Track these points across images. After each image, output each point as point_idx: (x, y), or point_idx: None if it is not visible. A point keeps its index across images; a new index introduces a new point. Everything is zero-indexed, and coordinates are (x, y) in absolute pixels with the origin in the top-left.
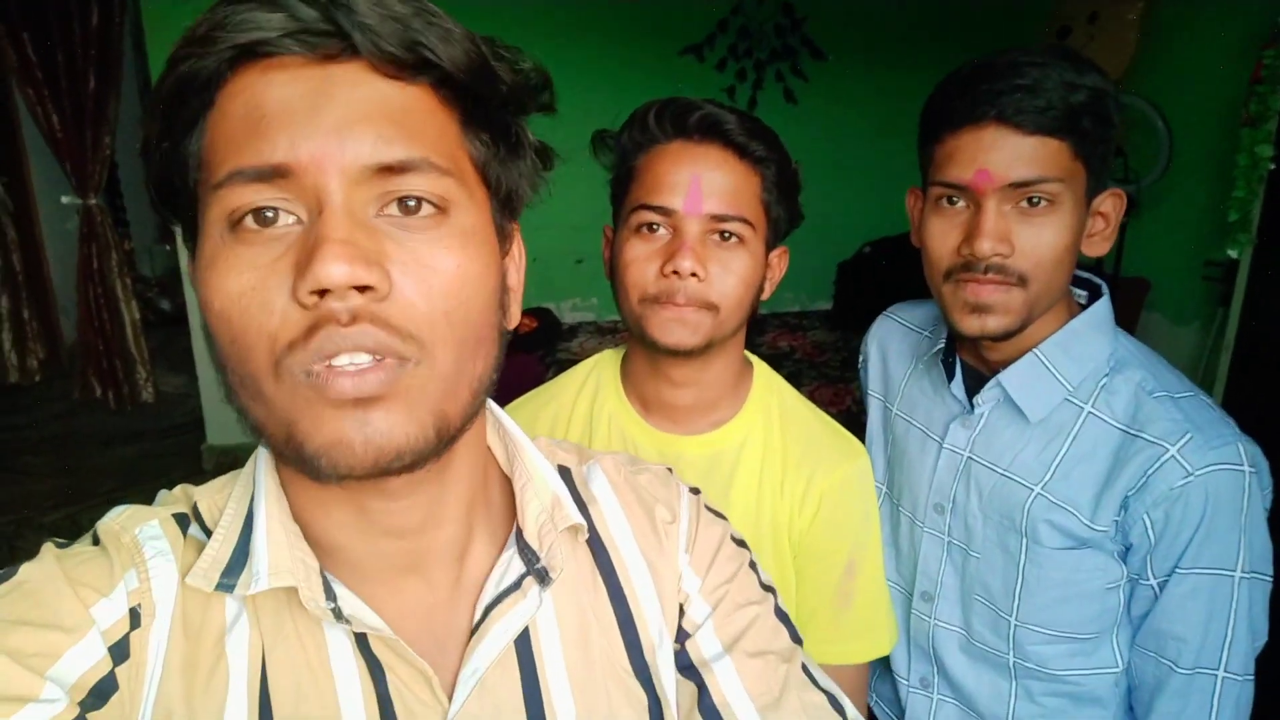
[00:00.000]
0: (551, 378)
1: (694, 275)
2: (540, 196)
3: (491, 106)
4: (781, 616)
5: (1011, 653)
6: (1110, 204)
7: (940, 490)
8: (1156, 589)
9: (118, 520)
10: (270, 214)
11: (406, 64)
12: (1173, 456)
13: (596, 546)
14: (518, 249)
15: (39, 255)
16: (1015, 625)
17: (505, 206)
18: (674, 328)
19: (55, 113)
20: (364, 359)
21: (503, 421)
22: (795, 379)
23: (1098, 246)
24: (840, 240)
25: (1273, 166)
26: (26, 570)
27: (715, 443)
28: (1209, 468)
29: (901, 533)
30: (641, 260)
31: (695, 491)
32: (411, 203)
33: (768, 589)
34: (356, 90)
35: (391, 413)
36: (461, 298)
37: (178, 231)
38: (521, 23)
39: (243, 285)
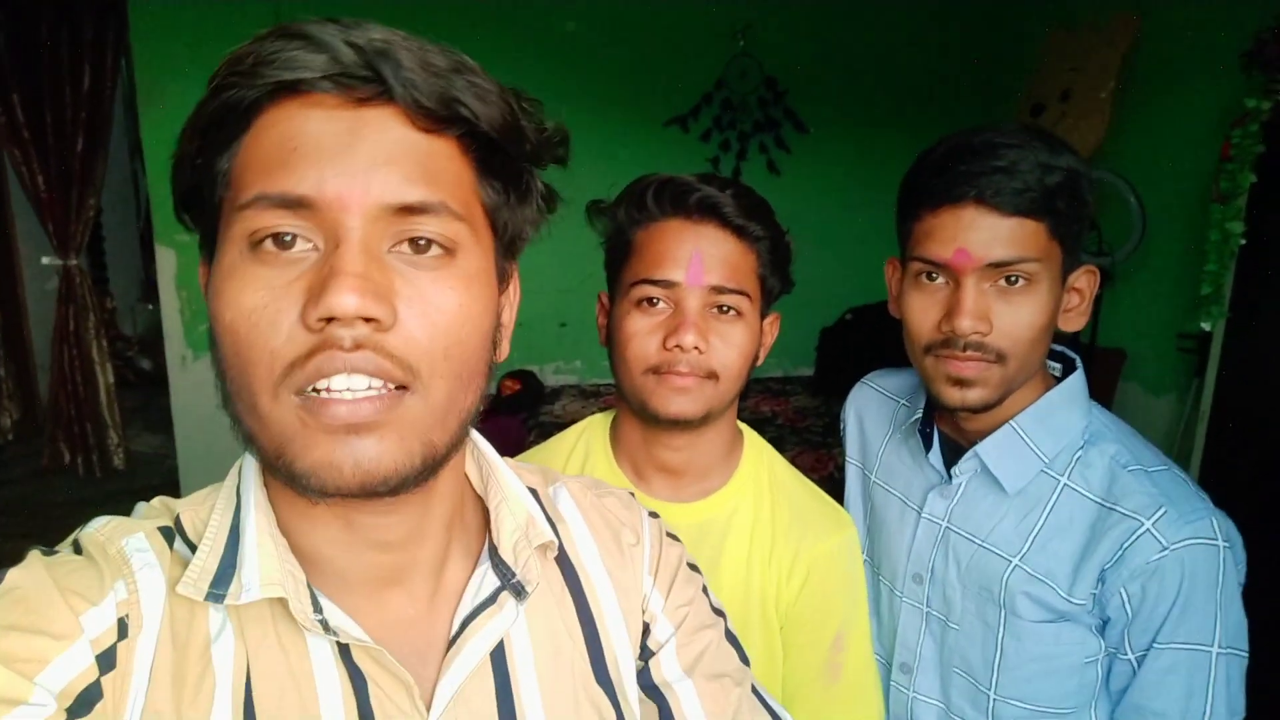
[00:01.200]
0: (534, 440)
1: (696, 349)
2: (529, 250)
3: (511, 159)
4: (731, 640)
5: None
6: (1085, 280)
7: (918, 560)
8: (1135, 664)
9: (102, 531)
10: (289, 238)
11: (440, 118)
12: (1148, 530)
13: (565, 564)
14: (514, 287)
15: (20, 314)
16: (994, 699)
17: (508, 248)
18: (676, 398)
19: (40, 173)
20: (360, 382)
21: (477, 443)
22: (777, 445)
23: (1074, 321)
24: (823, 307)
25: (1243, 242)
26: (15, 576)
27: (705, 511)
28: (1184, 542)
29: (882, 602)
30: (643, 334)
31: (654, 515)
32: (423, 242)
33: (718, 613)
34: (386, 135)
35: (383, 441)
36: (461, 335)
37: (160, 265)
38: None
39: (255, 302)
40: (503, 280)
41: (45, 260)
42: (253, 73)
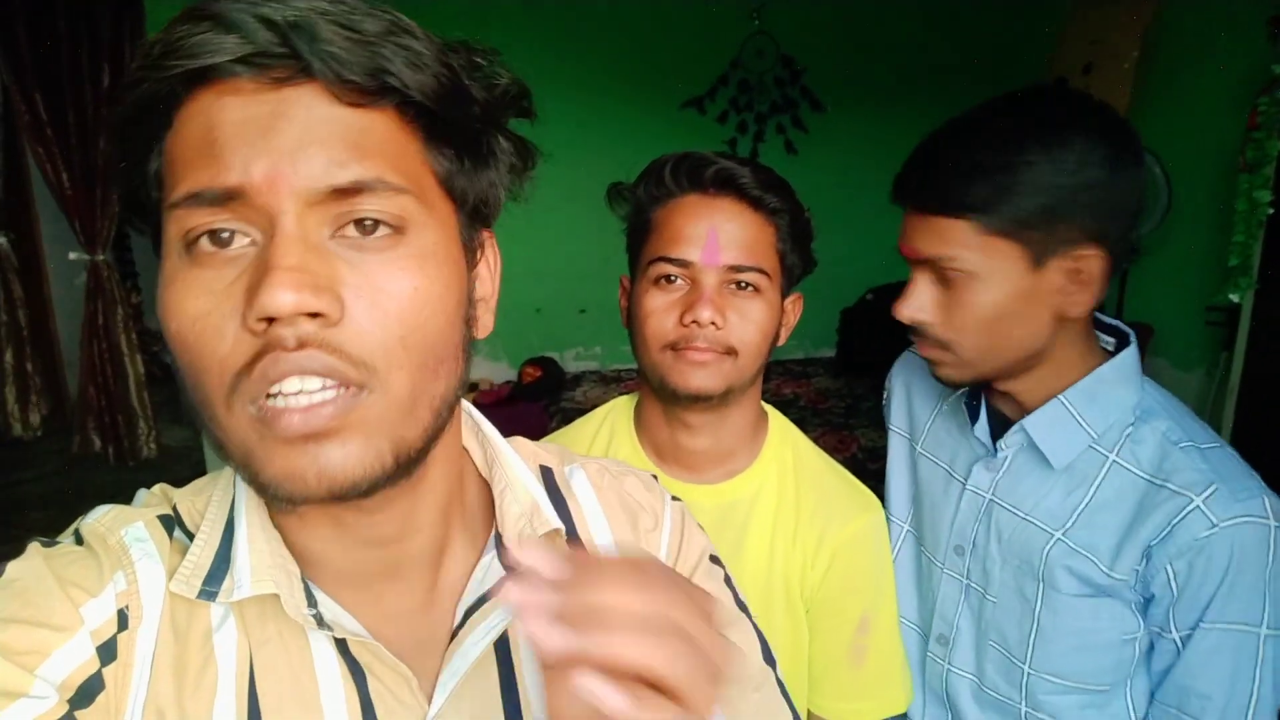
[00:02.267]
0: (555, 427)
1: (713, 324)
2: (530, 199)
3: (459, 123)
4: (758, 634)
5: (1024, 702)
6: (1085, 264)
7: (961, 532)
8: (1179, 643)
9: (102, 521)
10: (225, 235)
11: (368, 90)
12: (1198, 507)
13: (576, 547)
14: (491, 257)
15: (45, 311)
16: (1029, 674)
17: (474, 217)
18: (695, 373)
19: (65, 170)
20: (314, 383)
21: (481, 425)
22: (799, 426)
23: (1075, 308)
24: (843, 288)
25: (1271, 211)
26: (14, 568)
27: (729, 493)
28: (1234, 520)
29: (922, 573)
30: (661, 311)
31: (676, 500)
32: (368, 223)
33: (743, 607)
34: (311, 112)
35: (346, 444)
36: (418, 321)
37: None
38: (523, 76)
39: (198, 309)
40: (471, 253)
41: (73, 256)
42: (161, 62)
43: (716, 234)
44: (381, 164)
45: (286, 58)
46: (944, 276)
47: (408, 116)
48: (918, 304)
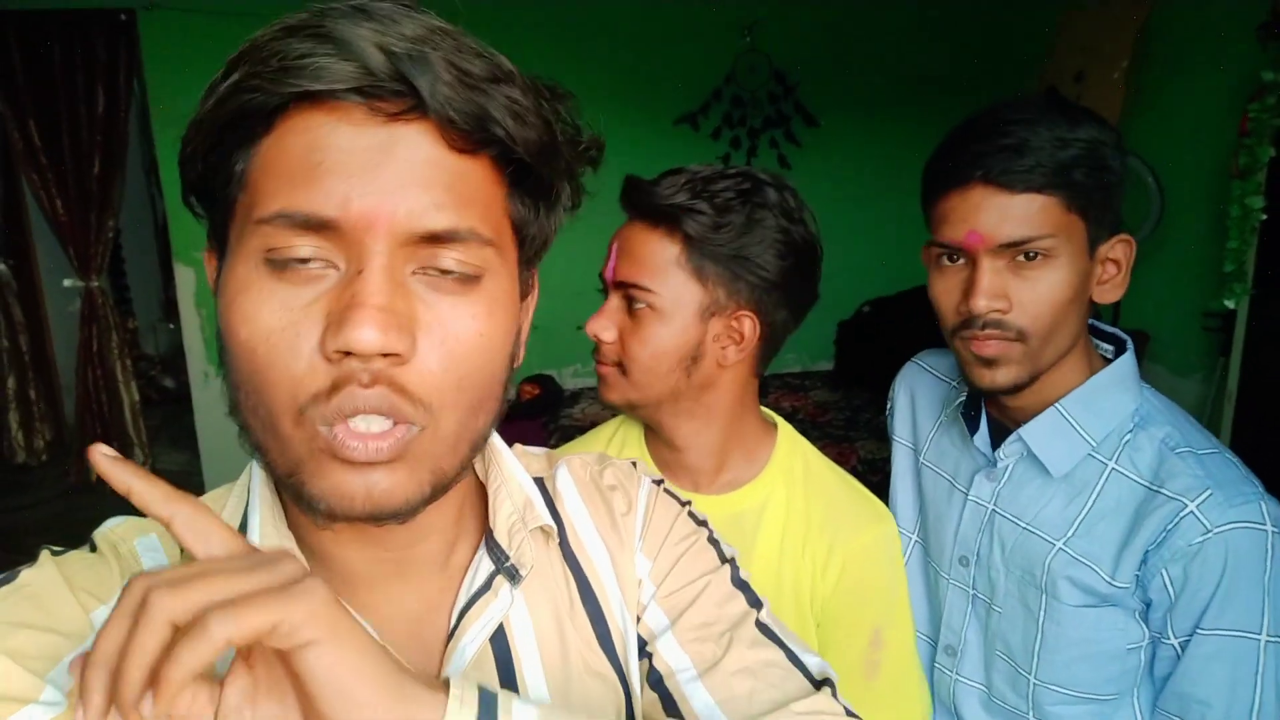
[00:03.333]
0: (554, 444)
1: (605, 340)
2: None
3: (546, 177)
4: (739, 584)
5: (1031, 712)
6: (1120, 250)
7: (965, 542)
8: (1178, 649)
9: (116, 531)
10: (308, 252)
11: (473, 139)
12: (1191, 513)
13: (564, 544)
14: (534, 290)
15: (44, 336)
16: (1035, 684)
17: (532, 259)
18: (602, 389)
19: (59, 196)
20: (376, 421)
21: None
22: None
23: (1109, 294)
24: (840, 300)
25: (1264, 217)
26: (27, 575)
27: (736, 503)
28: (1228, 525)
29: (929, 584)
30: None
31: (659, 482)
32: (450, 268)
33: (726, 560)
34: (416, 154)
35: (395, 475)
36: (477, 364)
37: (180, 283)
38: None
39: (274, 324)
40: (524, 292)
41: (67, 283)
42: (277, 77)
43: (616, 251)
44: (475, 214)
45: (400, 94)
46: (1015, 261)
47: (499, 166)
48: (993, 291)
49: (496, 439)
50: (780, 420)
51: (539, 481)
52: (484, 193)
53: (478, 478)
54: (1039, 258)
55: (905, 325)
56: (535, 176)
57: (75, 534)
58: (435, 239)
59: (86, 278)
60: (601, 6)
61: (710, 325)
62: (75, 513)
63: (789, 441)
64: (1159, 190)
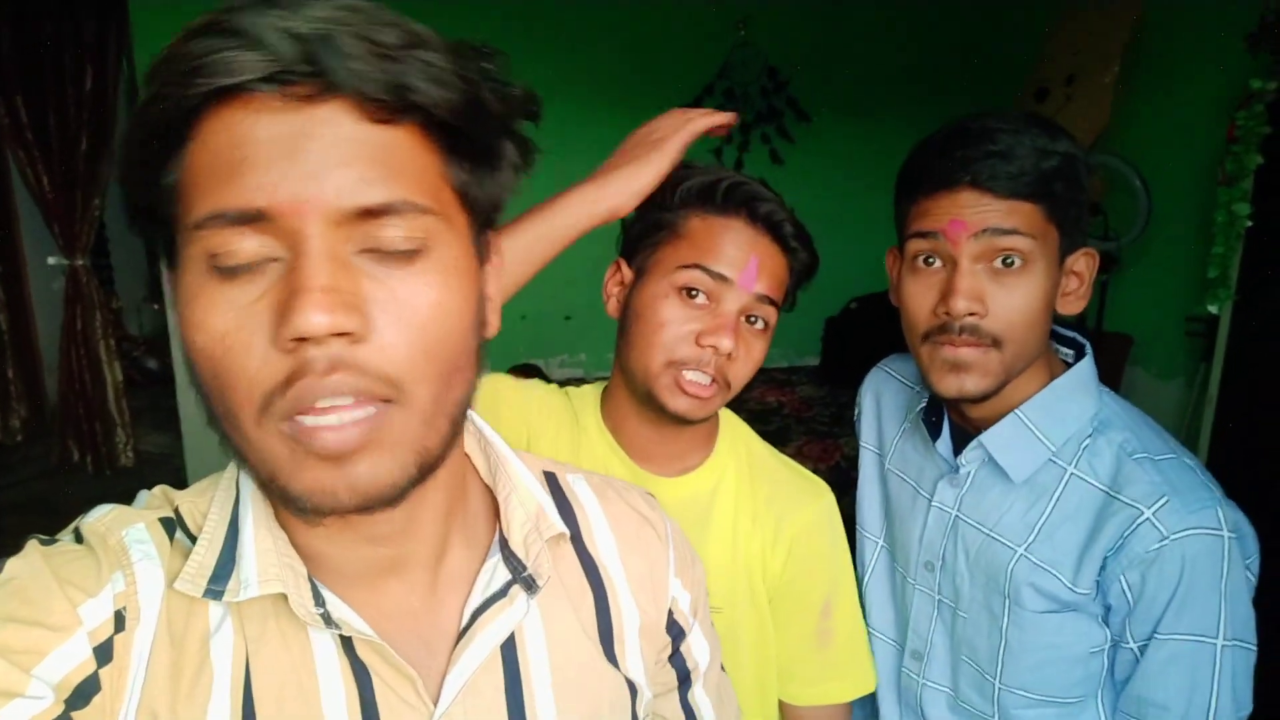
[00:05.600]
0: None
1: (729, 355)
2: (517, 204)
3: (477, 137)
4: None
5: (996, 715)
6: (1083, 263)
7: (930, 548)
8: (1137, 653)
9: (103, 521)
10: (250, 249)
11: (393, 108)
12: (1148, 519)
13: (582, 553)
14: (497, 256)
15: (27, 315)
16: (999, 688)
17: (486, 221)
18: (688, 402)
19: (45, 174)
20: (345, 401)
21: (484, 432)
22: (783, 434)
23: (1072, 305)
24: (828, 296)
25: (1250, 224)
26: (13, 566)
27: (690, 485)
28: (1185, 532)
29: (896, 589)
30: (678, 325)
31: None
32: (392, 240)
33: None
34: (338, 131)
35: (375, 460)
36: (441, 334)
37: (163, 270)
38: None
39: (225, 325)
40: (483, 256)
41: (51, 260)
42: (185, 80)
43: (757, 263)
44: (407, 184)
45: (312, 74)
46: (993, 267)
47: (428, 133)
48: (973, 293)
49: (500, 441)
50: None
51: (550, 477)
52: (415, 162)
53: (481, 479)
54: (1016, 265)
55: (892, 323)
56: (467, 139)
57: (54, 514)
58: (370, 214)
59: (71, 256)
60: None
61: None
62: (55, 493)
63: (732, 424)
64: (1147, 194)
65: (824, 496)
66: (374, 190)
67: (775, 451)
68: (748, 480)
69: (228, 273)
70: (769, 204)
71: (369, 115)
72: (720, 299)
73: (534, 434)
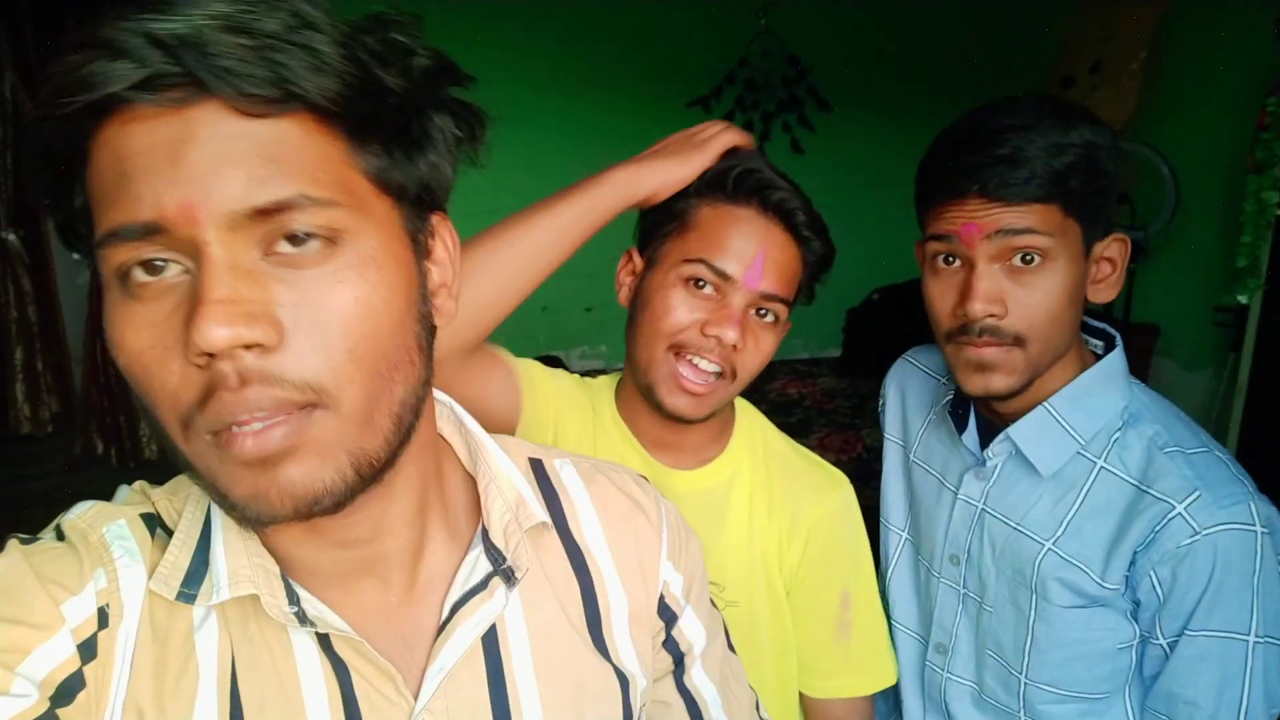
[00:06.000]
0: None
1: (734, 345)
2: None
3: (379, 118)
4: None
5: (1022, 710)
6: (1115, 249)
7: (955, 541)
8: (1166, 649)
9: (84, 517)
10: (159, 263)
11: (272, 100)
12: (1179, 514)
13: (567, 540)
14: (448, 238)
15: (53, 308)
16: (1025, 683)
17: (420, 205)
18: (685, 399)
19: None
20: (262, 415)
21: (464, 420)
22: (804, 426)
23: (1104, 293)
24: (850, 288)
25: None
26: None
27: (706, 478)
28: (1217, 527)
29: (920, 582)
30: (683, 313)
31: (666, 501)
32: (299, 237)
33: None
34: (218, 130)
35: (303, 463)
36: (364, 331)
37: None
38: (531, 75)
39: (141, 344)
40: (420, 242)
41: (76, 255)
42: (56, 100)
43: (764, 258)
44: (302, 178)
45: (182, 76)
46: (1011, 265)
47: (322, 121)
48: (990, 295)
49: (479, 430)
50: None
51: (535, 464)
52: (310, 153)
53: (463, 468)
54: (1036, 261)
55: (915, 314)
56: (368, 123)
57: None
58: (265, 214)
59: None
60: None
61: None
62: (79, 485)
63: (748, 415)
64: (1174, 183)
65: (841, 488)
66: (266, 188)
67: (792, 442)
68: (764, 472)
69: (139, 288)
70: (781, 192)
71: (248, 111)
72: (727, 294)
73: (561, 425)
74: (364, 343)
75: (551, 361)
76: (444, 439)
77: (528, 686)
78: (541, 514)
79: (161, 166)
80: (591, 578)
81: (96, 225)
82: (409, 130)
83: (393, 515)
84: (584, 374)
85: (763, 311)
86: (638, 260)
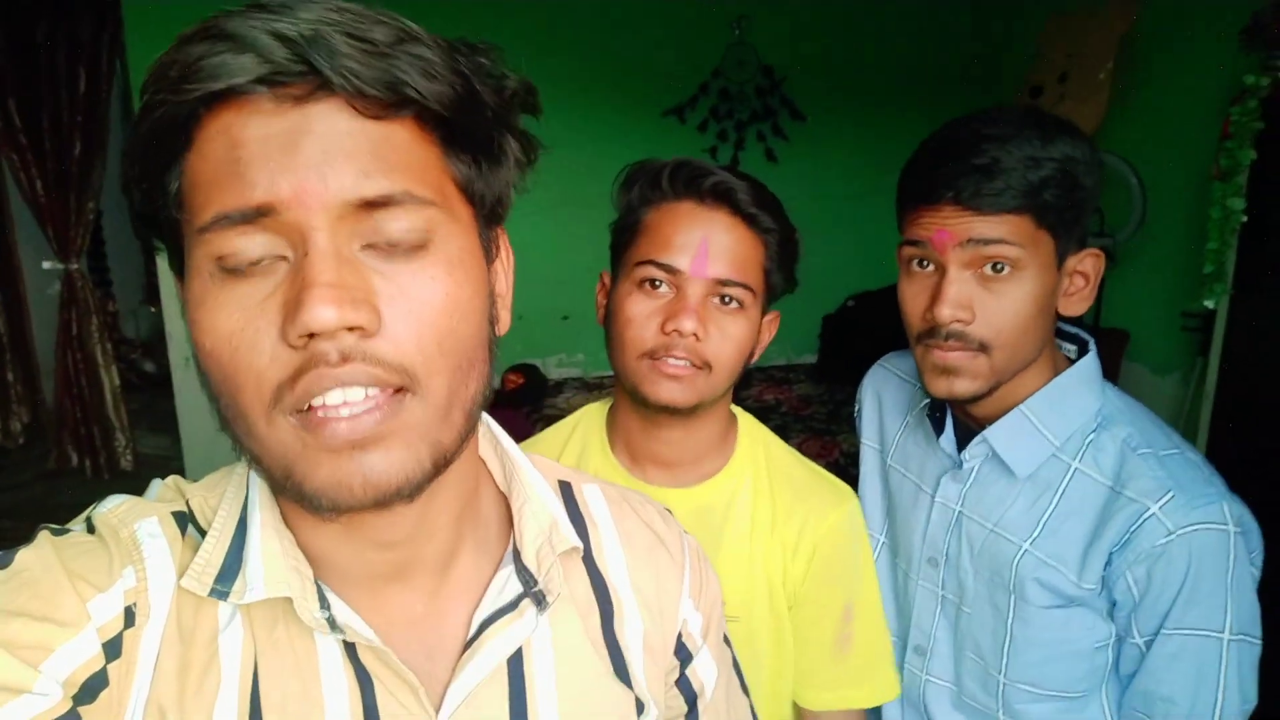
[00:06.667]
0: (539, 433)
1: (694, 335)
2: (528, 242)
3: (475, 130)
4: (737, 671)
5: (1001, 710)
6: (1089, 263)
7: (933, 544)
8: (1143, 648)
9: (115, 512)
10: (258, 249)
11: (387, 103)
12: (1154, 515)
13: (591, 569)
14: (505, 253)
15: (23, 318)
16: (1005, 683)
17: (491, 217)
18: (667, 386)
19: (39, 177)
20: (356, 394)
21: (500, 439)
22: (781, 432)
23: (1076, 306)
24: (824, 294)
25: (1245, 219)
26: (24, 558)
27: (703, 495)
28: (1191, 527)
29: (898, 585)
30: (642, 317)
31: (688, 535)
32: (397, 233)
33: (728, 642)
34: (334, 126)
35: (390, 451)
36: (451, 326)
37: (160, 268)
38: None
39: (232, 325)
40: (490, 252)
41: (46, 265)
42: (178, 87)
43: (708, 245)
44: (407, 176)
45: (305, 74)
46: (982, 273)
47: (425, 126)
48: (958, 301)
49: (514, 448)
50: (738, 410)
51: (565, 487)
52: (414, 156)
53: (496, 486)
54: (1006, 270)
55: (890, 320)
56: (465, 132)
57: (52, 519)
58: (371, 206)
59: (66, 260)
60: None
61: (761, 321)
62: (53, 497)
63: (751, 429)
64: (1142, 190)
65: (846, 502)
66: (374, 182)
67: (796, 454)
68: (767, 487)
69: (234, 273)
70: (714, 177)
71: (364, 111)
72: (682, 288)
73: None
74: (450, 337)
75: (529, 369)
76: (479, 457)
77: (548, 711)
78: (574, 539)
79: (277, 154)
80: (612, 606)
81: (200, 210)
82: (494, 145)
83: (435, 515)
84: (562, 382)
85: (726, 299)
86: (607, 280)
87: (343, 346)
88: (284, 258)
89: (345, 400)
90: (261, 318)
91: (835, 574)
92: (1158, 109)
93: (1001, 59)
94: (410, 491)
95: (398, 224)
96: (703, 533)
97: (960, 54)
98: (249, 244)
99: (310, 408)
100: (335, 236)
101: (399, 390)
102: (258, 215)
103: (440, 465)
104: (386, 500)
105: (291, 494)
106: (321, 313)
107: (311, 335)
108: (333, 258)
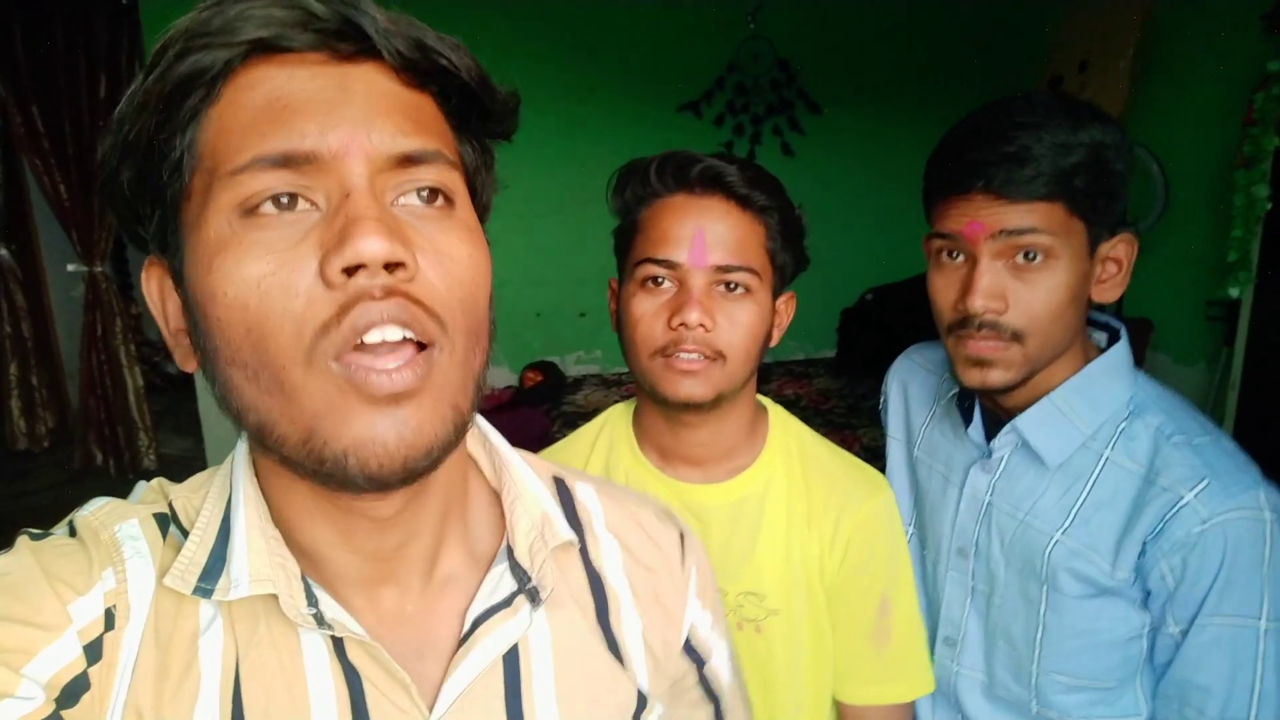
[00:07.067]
0: (558, 431)
1: (701, 326)
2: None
3: (482, 120)
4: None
5: (1034, 700)
6: (1122, 249)
7: (962, 534)
8: (1178, 637)
9: (96, 515)
10: (287, 199)
11: (420, 69)
12: (1189, 503)
13: (588, 565)
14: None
15: (47, 322)
16: (1038, 673)
17: (481, 214)
18: (684, 382)
19: (62, 181)
20: (395, 333)
21: (489, 435)
22: None
23: (1109, 292)
24: (843, 288)
25: (1269, 206)
26: (3, 562)
27: (738, 490)
28: (1226, 514)
29: (927, 576)
30: (649, 316)
31: (687, 532)
32: (425, 193)
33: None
34: (374, 88)
35: (421, 408)
36: (472, 287)
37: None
38: (523, 81)
39: (262, 270)
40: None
41: (70, 268)
42: (223, 31)
43: (704, 234)
44: (437, 139)
45: (347, 36)
46: (1014, 262)
47: (443, 106)
48: (991, 291)
49: (504, 445)
50: (768, 401)
51: (559, 483)
52: (439, 124)
53: (487, 483)
54: (1039, 259)
55: (908, 313)
56: (474, 119)
57: None
58: (408, 160)
59: (90, 263)
60: None
61: (776, 304)
62: (77, 499)
63: (782, 421)
64: (1164, 179)
65: (882, 492)
66: (411, 140)
67: (830, 445)
68: (800, 477)
69: (259, 218)
70: (701, 164)
71: (399, 76)
72: (684, 281)
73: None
74: (469, 298)
75: (547, 366)
76: (469, 454)
77: (546, 708)
78: (567, 533)
79: (325, 106)
80: (607, 599)
81: (232, 155)
82: (488, 149)
83: (423, 513)
84: (581, 379)
85: (731, 285)
86: (615, 286)
87: (384, 282)
88: (315, 205)
89: (384, 338)
90: (296, 260)
91: (871, 565)
92: (1179, 96)
93: (1020, 48)
94: (438, 454)
95: (428, 178)
96: (739, 527)
97: (978, 43)
98: (286, 183)
99: (360, 344)
100: (374, 185)
101: (426, 347)
102: (302, 161)
103: (460, 433)
104: (415, 462)
105: (311, 460)
106: (371, 243)
107: (353, 271)
108: (375, 200)
